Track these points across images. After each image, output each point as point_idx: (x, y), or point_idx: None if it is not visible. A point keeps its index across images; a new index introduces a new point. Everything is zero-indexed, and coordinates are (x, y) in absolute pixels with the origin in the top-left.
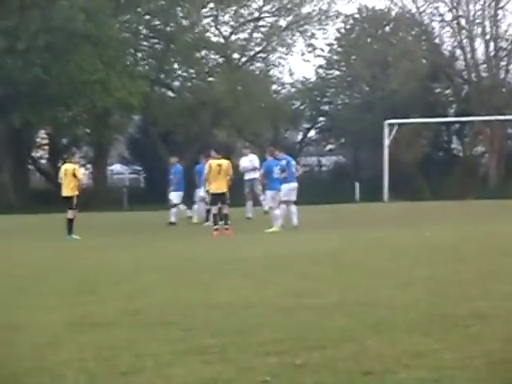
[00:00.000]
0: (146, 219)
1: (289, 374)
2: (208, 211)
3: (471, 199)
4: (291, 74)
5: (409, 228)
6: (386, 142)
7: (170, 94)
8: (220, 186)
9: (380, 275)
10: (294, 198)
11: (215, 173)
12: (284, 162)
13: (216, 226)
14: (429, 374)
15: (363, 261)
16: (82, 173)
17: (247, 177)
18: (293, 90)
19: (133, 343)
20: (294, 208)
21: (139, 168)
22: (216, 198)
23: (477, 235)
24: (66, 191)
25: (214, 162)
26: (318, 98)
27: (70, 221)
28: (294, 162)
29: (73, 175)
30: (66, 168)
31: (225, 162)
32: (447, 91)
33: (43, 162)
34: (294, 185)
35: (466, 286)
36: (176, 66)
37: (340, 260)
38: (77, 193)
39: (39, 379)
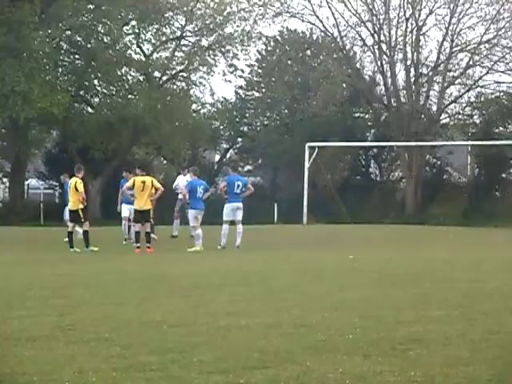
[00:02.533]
0: (63, 235)
1: None
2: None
3: (388, 223)
4: (212, 94)
5: (331, 251)
6: (306, 164)
7: (90, 110)
8: (143, 203)
9: (312, 297)
10: (238, 217)
11: (139, 190)
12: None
13: (137, 244)
14: None
15: (292, 282)
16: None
17: (180, 196)
18: (213, 109)
19: (73, 358)
20: (239, 228)
21: (55, 183)
22: (139, 215)
23: (400, 259)
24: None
25: (138, 179)
26: (238, 119)
27: (86, 233)
28: (239, 183)
29: (75, 189)
30: (71, 181)
31: (148, 179)
32: (367, 116)
33: None
34: (237, 204)
35: (398, 309)
36: (96, 82)
37: (269, 281)
38: (81, 206)
39: None
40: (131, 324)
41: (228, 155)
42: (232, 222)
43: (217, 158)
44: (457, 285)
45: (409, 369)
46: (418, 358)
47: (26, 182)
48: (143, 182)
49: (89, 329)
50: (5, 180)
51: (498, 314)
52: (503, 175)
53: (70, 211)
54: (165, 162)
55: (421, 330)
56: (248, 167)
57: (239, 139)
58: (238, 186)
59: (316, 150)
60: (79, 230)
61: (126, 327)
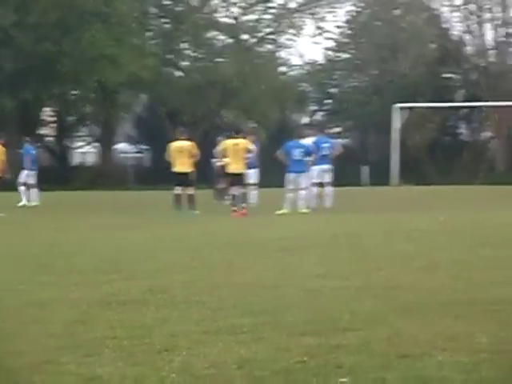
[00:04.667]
0: (154, 198)
1: (325, 355)
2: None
3: (478, 184)
4: (300, 56)
5: (421, 212)
6: (395, 125)
7: (178, 73)
8: (238, 166)
9: (401, 259)
10: (327, 179)
11: (232, 152)
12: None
13: (234, 207)
14: (467, 358)
15: (382, 244)
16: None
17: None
18: (301, 71)
19: (164, 322)
20: (328, 190)
21: (145, 147)
22: (234, 178)
23: (491, 220)
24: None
25: (230, 142)
26: (326, 81)
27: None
28: (327, 144)
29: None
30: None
31: (242, 142)
32: (455, 76)
33: (49, 139)
34: (325, 167)
35: (489, 270)
36: (184, 45)
37: (359, 243)
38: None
39: (75, 356)
40: (221, 287)
41: (316, 117)
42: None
43: (306, 120)
44: None
45: (500, 330)
46: (509, 319)
47: (116, 146)
48: (237, 145)
49: (179, 292)
50: (95, 144)
51: None
52: None
53: (182, 173)
54: (253, 124)
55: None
56: (336, 129)
57: (328, 101)
58: (324, 148)
59: (404, 111)
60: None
61: (217, 290)
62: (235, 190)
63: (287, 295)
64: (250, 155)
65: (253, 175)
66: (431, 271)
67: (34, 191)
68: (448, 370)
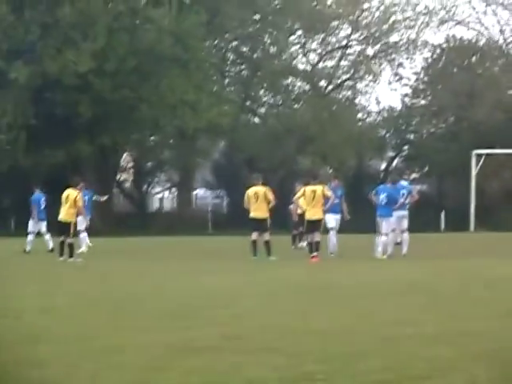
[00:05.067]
0: (232, 244)
1: None
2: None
3: None
4: (378, 103)
5: (500, 258)
6: (473, 171)
7: (256, 120)
8: (315, 212)
9: (477, 305)
10: (404, 226)
11: (310, 199)
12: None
13: (314, 254)
14: None
15: (459, 290)
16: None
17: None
18: (379, 118)
19: (239, 368)
20: (405, 236)
21: (223, 193)
22: (312, 224)
23: None
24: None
25: (308, 188)
26: (403, 127)
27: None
28: (405, 190)
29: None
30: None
31: (319, 188)
32: None
33: (127, 185)
34: (403, 213)
35: None
36: (262, 92)
37: (434, 289)
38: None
39: None
40: (296, 332)
41: (394, 163)
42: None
43: (383, 166)
44: None
45: None
46: None
47: (194, 192)
48: (314, 192)
49: (255, 338)
50: (173, 190)
51: None
52: None
53: (257, 219)
54: (330, 171)
55: None
56: (414, 175)
57: (405, 147)
58: (403, 194)
59: (483, 158)
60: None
61: (292, 336)
62: (313, 237)
63: (362, 342)
64: (335, 200)
65: (336, 220)
66: (508, 318)
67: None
68: None
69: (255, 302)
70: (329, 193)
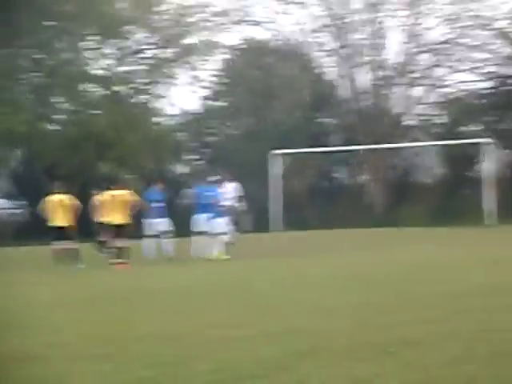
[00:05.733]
0: (32, 254)
1: None
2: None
3: (357, 227)
4: (175, 106)
5: (306, 257)
6: (273, 172)
7: (53, 127)
8: (117, 217)
9: (296, 304)
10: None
11: (111, 204)
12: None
13: (119, 260)
14: None
15: (275, 290)
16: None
17: None
18: (177, 121)
19: (66, 377)
20: (214, 238)
21: (23, 202)
22: (116, 229)
23: (377, 263)
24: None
25: (108, 194)
26: (203, 130)
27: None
28: (211, 193)
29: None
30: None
31: (120, 193)
32: (331, 120)
33: None
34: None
35: (383, 312)
36: (58, 99)
37: (252, 290)
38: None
39: None
40: (122, 339)
41: (194, 166)
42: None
43: (184, 169)
44: (438, 285)
45: (406, 371)
46: (412, 360)
47: None
48: (113, 196)
49: (80, 346)
50: None
51: (485, 312)
52: (469, 174)
53: (60, 227)
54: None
55: (409, 332)
56: (215, 177)
57: (205, 150)
58: (209, 196)
59: (282, 158)
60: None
61: (118, 342)
62: (117, 242)
63: (190, 345)
64: (158, 205)
65: (163, 224)
66: (326, 315)
67: None
68: None
69: (72, 310)
70: (135, 197)
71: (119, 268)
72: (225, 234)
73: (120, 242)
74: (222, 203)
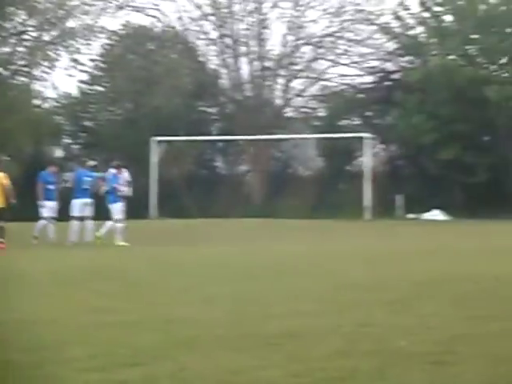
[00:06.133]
0: None
1: None
2: None
3: (235, 217)
4: (54, 89)
5: (183, 245)
6: (153, 159)
7: None
8: None
9: (176, 292)
10: (88, 213)
11: None
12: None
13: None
14: None
15: (152, 277)
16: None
17: None
18: (56, 104)
19: None
20: (89, 224)
21: None
22: None
23: (255, 253)
24: None
25: None
26: (80, 114)
27: None
28: (89, 178)
29: None
30: None
31: None
32: (212, 109)
33: None
34: (85, 200)
35: (265, 304)
36: None
37: (129, 277)
38: None
39: None
40: None
41: (71, 150)
42: (81, 218)
43: (60, 153)
44: (319, 278)
45: (287, 363)
46: (294, 352)
47: None
48: None
49: None
50: None
51: (366, 306)
52: (348, 168)
53: None
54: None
55: (292, 324)
56: (92, 162)
57: (82, 134)
58: (87, 181)
59: (162, 145)
60: None
61: None
62: None
63: (63, 331)
64: (51, 187)
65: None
66: (205, 305)
67: None
68: None
69: None
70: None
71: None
72: (122, 220)
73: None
74: (120, 189)
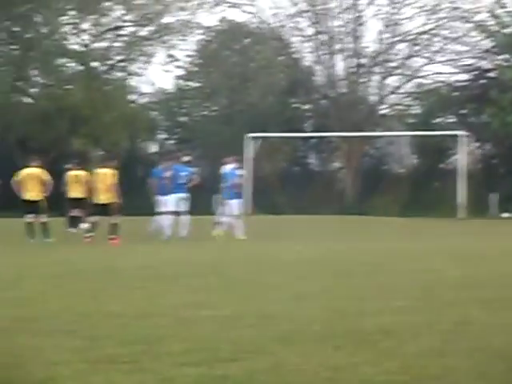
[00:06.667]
0: (6, 226)
1: None
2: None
3: (328, 214)
4: (151, 85)
5: (278, 242)
6: (246, 155)
7: (28, 100)
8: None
9: (270, 288)
10: (183, 208)
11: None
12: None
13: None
14: None
15: (248, 273)
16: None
17: None
18: (151, 100)
19: (38, 351)
20: (184, 219)
21: None
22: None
23: (349, 250)
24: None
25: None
26: (176, 109)
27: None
28: (185, 173)
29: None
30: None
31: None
32: (306, 106)
33: None
34: (182, 195)
35: (360, 300)
36: (34, 72)
37: (224, 272)
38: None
39: None
40: (91, 315)
41: (166, 146)
42: (176, 213)
43: (155, 148)
44: (414, 275)
45: (383, 360)
46: (390, 350)
47: None
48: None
49: (49, 321)
50: None
51: (463, 305)
52: (442, 166)
53: (32, 201)
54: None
55: (388, 321)
56: (187, 158)
57: (178, 129)
58: (183, 176)
59: (257, 141)
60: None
61: (87, 319)
62: (91, 219)
63: (160, 325)
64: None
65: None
66: (300, 301)
67: None
68: None
69: (41, 284)
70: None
71: (88, 242)
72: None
73: (112, 219)
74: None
